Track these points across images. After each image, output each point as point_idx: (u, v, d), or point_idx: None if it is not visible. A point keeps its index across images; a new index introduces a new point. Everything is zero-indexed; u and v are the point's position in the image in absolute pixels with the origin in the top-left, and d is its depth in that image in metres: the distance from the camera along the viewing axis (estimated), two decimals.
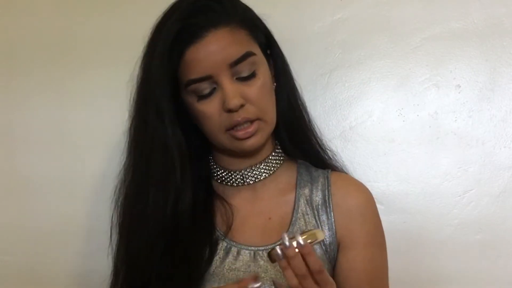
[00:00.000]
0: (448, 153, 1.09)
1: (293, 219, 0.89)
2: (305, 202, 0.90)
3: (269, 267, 0.84)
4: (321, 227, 0.88)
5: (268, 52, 0.91)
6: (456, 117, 1.09)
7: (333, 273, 0.88)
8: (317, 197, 0.90)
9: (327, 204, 0.89)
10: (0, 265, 1.18)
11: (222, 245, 0.87)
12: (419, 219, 1.09)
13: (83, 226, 1.16)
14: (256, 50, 0.86)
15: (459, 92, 1.09)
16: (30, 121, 1.17)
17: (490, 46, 1.08)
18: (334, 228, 0.88)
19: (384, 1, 1.11)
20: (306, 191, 0.91)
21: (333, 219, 0.88)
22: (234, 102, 0.82)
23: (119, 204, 0.95)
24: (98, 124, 1.16)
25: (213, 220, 0.89)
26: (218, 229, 0.89)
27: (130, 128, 0.92)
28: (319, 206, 0.89)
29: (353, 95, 1.11)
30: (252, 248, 0.87)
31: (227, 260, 0.86)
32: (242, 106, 0.83)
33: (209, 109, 0.84)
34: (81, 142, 1.16)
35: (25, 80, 1.18)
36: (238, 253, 0.87)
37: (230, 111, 0.82)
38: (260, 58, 0.86)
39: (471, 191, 1.09)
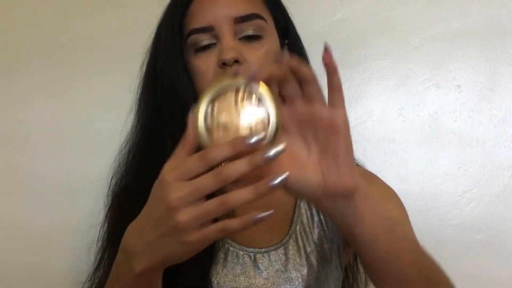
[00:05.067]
0: (448, 153, 1.09)
1: (295, 214, 0.83)
2: None
3: (271, 271, 0.79)
4: (324, 220, 0.83)
5: (286, 42, 0.87)
6: (456, 117, 1.09)
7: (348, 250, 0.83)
8: None
9: None
10: (0, 265, 1.18)
11: (224, 248, 0.80)
12: (419, 219, 1.09)
13: (83, 226, 1.16)
14: (269, 20, 0.82)
15: (459, 92, 1.09)
16: (30, 121, 1.17)
17: (490, 46, 1.08)
18: None
19: (384, 1, 1.11)
20: None
21: None
22: (230, 54, 0.75)
23: (122, 168, 0.90)
24: (99, 124, 1.16)
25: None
26: None
27: (139, 84, 0.88)
28: None
29: (353, 95, 1.11)
30: (251, 250, 0.81)
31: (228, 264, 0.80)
32: (237, 62, 0.76)
33: (204, 64, 0.78)
34: (81, 143, 1.16)
35: (25, 80, 1.17)
36: (237, 256, 0.80)
37: (224, 64, 0.75)
38: (270, 29, 0.81)
39: (471, 191, 1.09)
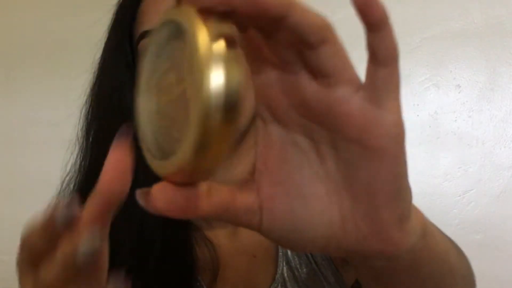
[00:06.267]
0: (448, 153, 1.09)
1: (280, 253, 0.66)
2: None
3: None
4: (313, 259, 0.68)
5: None
6: (456, 117, 1.09)
7: None
8: None
9: None
10: (0, 265, 1.18)
11: None
12: None
13: None
14: None
15: (459, 92, 1.09)
16: (30, 121, 1.17)
17: (490, 46, 1.08)
18: None
19: (384, 1, 1.11)
20: None
21: None
22: None
23: None
24: None
25: (195, 269, 0.63)
26: (199, 280, 0.63)
27: (85, 103, 0.74)
28: None
29: None
30: None
31: None
32: None
33: None
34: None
35: (25, 80, 1.17)
36: None
37: None
38: None
39: (471, 191, 1.09)
